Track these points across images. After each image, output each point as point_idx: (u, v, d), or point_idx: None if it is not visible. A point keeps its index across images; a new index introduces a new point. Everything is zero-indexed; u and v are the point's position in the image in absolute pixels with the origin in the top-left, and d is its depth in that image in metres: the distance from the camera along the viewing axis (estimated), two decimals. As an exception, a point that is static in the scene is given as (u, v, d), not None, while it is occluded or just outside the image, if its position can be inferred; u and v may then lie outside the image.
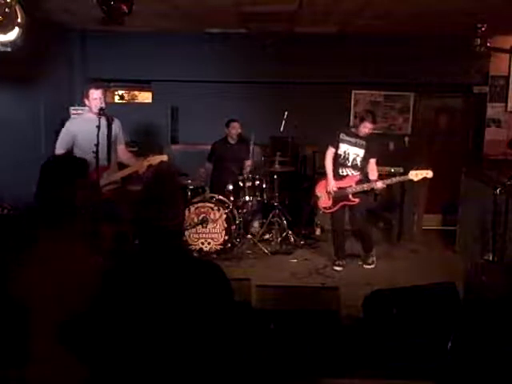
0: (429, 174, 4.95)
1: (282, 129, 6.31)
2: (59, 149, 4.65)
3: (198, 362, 1.74)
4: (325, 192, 5.35)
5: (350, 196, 5.15)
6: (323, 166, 6.46)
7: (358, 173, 5.20)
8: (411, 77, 6.93)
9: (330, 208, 5.34)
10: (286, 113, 6.27)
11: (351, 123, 7.34)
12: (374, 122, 5.12)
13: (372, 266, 5.33)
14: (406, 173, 5.18)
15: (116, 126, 4.73)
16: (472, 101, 7.27)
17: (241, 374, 1.86)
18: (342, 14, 5.65)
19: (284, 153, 6.31)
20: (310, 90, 7.06)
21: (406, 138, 7.35)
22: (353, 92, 7.32)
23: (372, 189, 5.14)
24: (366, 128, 5.07)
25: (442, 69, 6.79)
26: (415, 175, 4.96)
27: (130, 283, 1.77)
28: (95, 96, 4.55)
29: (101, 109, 4.49)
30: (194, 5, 5.26)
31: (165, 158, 4.80)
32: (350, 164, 5.22)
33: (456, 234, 5.96)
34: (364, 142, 5.16)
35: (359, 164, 5.20)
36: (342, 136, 5.23)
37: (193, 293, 1.76)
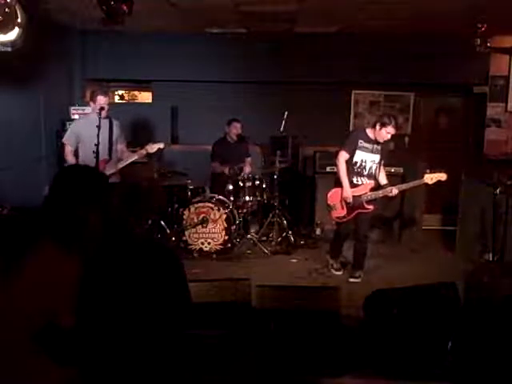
0: (443, 176, 4.71)
1: (281, 129, 6.31)
2: (67, 147, 4.84)
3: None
4: (338, 202, 4.95)
5: (365, 204, 4.84)
6: (324, 166, 6.46)
7: (373, 181, 4.92)
8: (411, 77, 6.93)
9: (344, 217, 4.96)
10: (286, 113, 6.27)
11: (351, 124, 7.36)
12: (396, 127, 4.76)
13: (358, 280, 4.97)
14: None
15: (117, 126, 4.87)
16: (472, 101, 7.27)
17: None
18: (342, 14, 5.65)
19: (284, 153, 6.31)
20: (310, 90, 7.06)
21: (406, 138, 7.35)
22: (353, 92, 7.32)
23: (386, 195, 4.86)
24: (389, 134, 4.69)
25: (442, 69, 6.78)
26: (430, 179, 4.72)
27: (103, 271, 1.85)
28: (102, 102, 4.66)
29: (101, 108, 4.54)
30: (193, 5, 5.26)
31: (161, 145, 4.99)
32: (366, 173, 4.88)
33: (456, 234, 5.96)
34: (379, 148, 4.84)
35: (374, 172, 4.90)
36: (361, 143, 4.81)
37: (145, 272, 1.85)
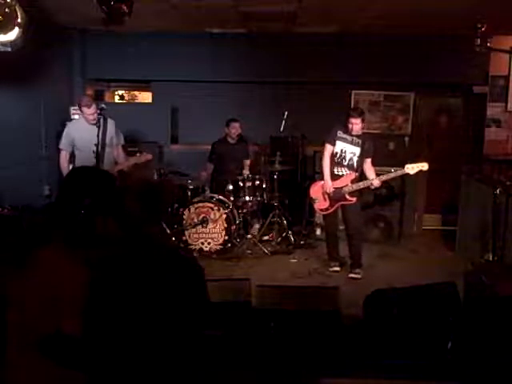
0: (424, 166, 4.85)
1: (282, 129, 6.31)
2: (62, 152, 4.88)
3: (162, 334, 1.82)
4: (320, 194, 5.17)
5: (347, 195, 5.00)
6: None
7: (354, 172, 5.06)
8: (411, 77, 6.93)
9: (327, 209, 5.16)
10: (286, 113, 6.27)
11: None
12: (359, 117, 4.90)
13: (358, 276, 5.02)
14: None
15: (111, 126, 4.85)
16: (472, 101, 7.27)
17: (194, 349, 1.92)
18: (342, 14, 5.65)
19: (284, 153, 6.31)
20: (310, 90, 7.06)
21: (406, 138, 7.35)
22: (353, 92, 7.32)
23: (368, 187, 5.02)
24: (351, 124, 4.89)
25: (442, 69, 6.78)
26: (411, 168, 4.87)
27: (118, 275, 1.84)
28: (88, 113, 4.67)
29: (101, 109, 4.55)
30: (193, 4, 5.26)
31: (149, 157, 5.02)
32: (346, 163, 5.05)
33: (456, 234, 5.96)
34: (360, 141, 5.01)
35: (355, 164, 5.05)
36: (339, 134, 5.05)
37: (166, 280, 1.85)
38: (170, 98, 7.20)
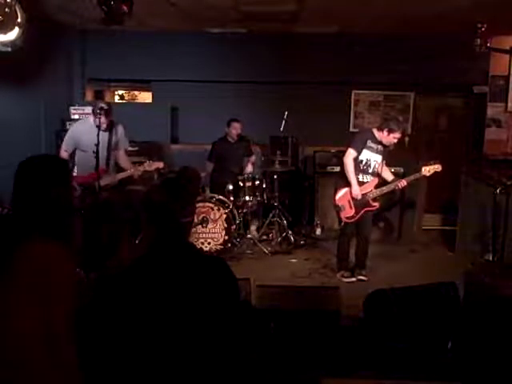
0: (439, 168, 4.84)
1: (281, 129, 6.31)
2: (62, 151, 4.83)
3: (205, 358, 1.74)
4: (346, 201, 4.99)
5: (371, 201, 4.93)
6: (324, 166, 6.46)
7: (377, 177, 5.02)
8: (411, 77, 6.93)
9: (353, 217, 4.98)
10: (286, 113, 6.27)
11: (351, 124, 7.36)
12: (403, 132, 4.92)
13: (365, 278, 5.01)
14: (410, 174, 5.06)
15: (119, 131, 4.82)
16: (472, 101, 7.27)
17: (245, 372, 1.87)
18: (343, 14, 5.65)
19: (284, 153, 6.30)
20: (310, 90, 7.06)
21: (406, 138, 7.34)
22: (353, 92, 7.32)
23: (392, 190, 5.01)
24: (395, 139, 4.84)
25: (442, 69, 6.79)
26: (427, 171, 4.85)
27: (142, 277, 1.77)
28: (103, 121, 4.54)
29: (101, 108, 4.53)
30: (193, 5, 5.26)
31: (161, 165, 4.96)
32: (371, 171, 4.97)
33: (456, 234, 5.96)
34: (382, 149, 4.97)
35: (378, 170, 5.00)
36: (369, 142, 4.90)
37: (202, 288, 1.78)
38: (170, 97, 7.20)
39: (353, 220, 5.02)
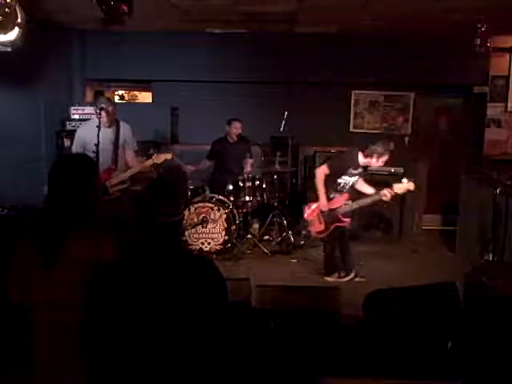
0: (411, 186, 4.72)
1: (281, 129, 6.30)
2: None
3: (192, 357, 1.76)
4: (315, 216, 5.01)
5: (341, 216, 4.91)
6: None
7: (347, 193, 4.97)
8: (411, 77, 6.93)
9: (322, 232, 5.02)
10: (286, 113, 6.27)
11: (351, 124, 7.36)
12: (392, 150, 4.87)
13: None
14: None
15: (125, 131, 4.79)
16: (472, 101, 7.27)
17: (246, 372, 1.88)
18: (342, 14, 5.65)
19: (284, 153, 6.30)
20: (310, 90, 7.06)
21: (406, 138, 7.35)
22: (353, 92, 7.32)
23: (361, 206, 4.95)
24: (383, 162, 4.81)
25: (442, 69, 6.78)
26: (399, 189, 4.73)
27: (127, 276, 1.78)
28: (104, 115, 4.54)
29: (101, 108, 4.52)
30: (193, 5, 5.26)
31: (169, 156, 4.83)
32: (345, 191, 4.96)
33: (456, 234, 5.96)
34: (362, 171, 4.95)
35: (351, 188, 5.00)
36: (350, 170, 4.87)
37: (188, 288, 1.78)
38: (170, 97, 7.20)
39: (323, 235, 5.03)
